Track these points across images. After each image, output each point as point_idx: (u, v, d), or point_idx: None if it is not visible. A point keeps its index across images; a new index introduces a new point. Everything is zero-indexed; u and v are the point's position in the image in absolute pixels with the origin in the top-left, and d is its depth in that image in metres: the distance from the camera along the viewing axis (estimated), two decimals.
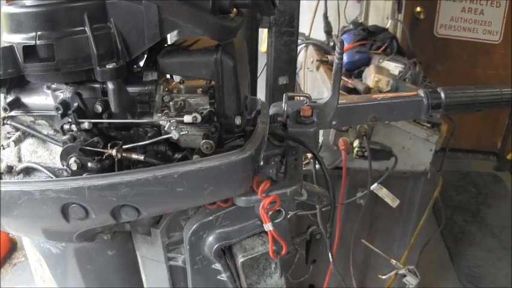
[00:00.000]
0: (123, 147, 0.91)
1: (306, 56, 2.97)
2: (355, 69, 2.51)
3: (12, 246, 4.01)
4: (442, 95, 1.32)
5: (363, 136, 2.12)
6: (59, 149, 0.99)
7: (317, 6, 3.29)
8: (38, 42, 0.88)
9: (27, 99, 1.03)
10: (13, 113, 1.04)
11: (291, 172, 1.05)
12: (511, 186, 4.66)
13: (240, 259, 1.04)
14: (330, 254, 1.40)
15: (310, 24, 3.36)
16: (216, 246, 1.05)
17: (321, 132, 2.17)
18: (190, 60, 0.97)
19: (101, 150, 0.91)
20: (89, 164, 0.91)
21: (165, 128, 0.94)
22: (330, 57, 2.71)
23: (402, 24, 3.61)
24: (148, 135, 0.95)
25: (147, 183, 0.88)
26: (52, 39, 0.88)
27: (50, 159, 1.04)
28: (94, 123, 0.93)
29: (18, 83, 1.02)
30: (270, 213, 0.99)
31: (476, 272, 3.49)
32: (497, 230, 3.99)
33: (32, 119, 1.05)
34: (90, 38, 0.88)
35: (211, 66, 0.96)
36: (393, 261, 2.11)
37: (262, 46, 2.55)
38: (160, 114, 0.96)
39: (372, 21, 3.56)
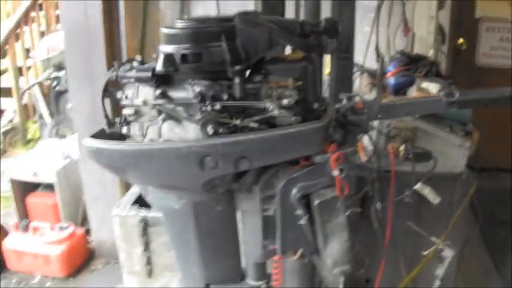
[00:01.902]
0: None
1: (361, 82, 3.46)
2: (401, 90, 2.99)
3: (90, 255, 4.50)
4: (457, 94, 1.79)
5: (407, 141, 2.59)
6: (191, 127, 1.49)
7: (370, 37, 3.80)
8: (191, 51, 1.40)
9: (171, 92, 1.50)
10: (160, 101, 1.54)
11: (351, 143, 1.55)
12: None
13: (316, 201, 1.52)
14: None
15: (364, 54, 3.87)
16: (298, 195, 1.53)
17: (373, 139, 2.64)
18: (286, 66, 1.48)
19: (229, 121, 1.42)
20: (221, 130, 1.41)
21: (270, 109, 1.43)
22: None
23: (443, 54, 4.04)
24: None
25: (258, 141, 1.38)
26: (201, 49, 1.40)
27: (183, 134, 1.53)
28: (223, 106, 1.43)
29: (164, 80, 1.51)
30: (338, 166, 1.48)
31: None
32: None
33: (172, 106, 1.54)
34: (225, 49, 1.39)
35: (299, 70, 1.46)
36: (433, 238, 2.55)
37: (326, 69, 3.04)
38: (266, 100, 1.45)
39: (417, 52, 4.02)
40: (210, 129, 1.41)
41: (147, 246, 2.99)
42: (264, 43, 1.43)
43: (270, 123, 1.46)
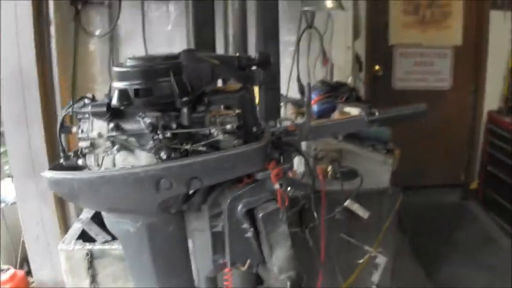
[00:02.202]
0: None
1: (286, 111, 3.70)
2: (324, 116, 3.24)
3: None
4: (377, 113, 2.03)
5: (334, 162, 2.82)
6: (143, 156, 1.66)
7: (291, 69, 4.06)
8: (143, 86, 1.58)
9: (124, 125, 1.64)
10: (114, 134, 1.70)
11: (286, 161, 1.76)
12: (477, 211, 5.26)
13: (260, 214, 1.71)
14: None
15: (287, 85, 4.13)
16: (244, 210, 1.72)
17: (302, 163, 2.86)
18: (227, 96, 1.69)
19: (180, 146, 1.60)
20: (173, 154, 1.59)
21: (215, 134, 1.62)
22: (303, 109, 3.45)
23: (361, 80, 4.34)
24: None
25: (208, 162, 1.57)
26: (151, 84, 1.58)
27: (136, 162, 1.68)
28: (173, 133, 1.61)
29: (116, 114, 1.66)
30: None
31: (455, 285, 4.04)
32: (469, 248, 4.58)
33: (125, 137, 1.71)
34: (173, 84, 1.58)
35: (238, 99, 1.67)
36: (366, 247, 2.78)
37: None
38: (211, 127, 1.64)
39: (336, 80, 4.30)
40: (163, 155, 1.59)
41: (93, 278, 3.10)
42: (207, 76, 1.64)
43: (215, 146, 1.65)
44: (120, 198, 1.67)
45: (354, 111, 3.13)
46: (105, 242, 3.07)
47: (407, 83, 5.56)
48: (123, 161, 1.68)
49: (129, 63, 1.67)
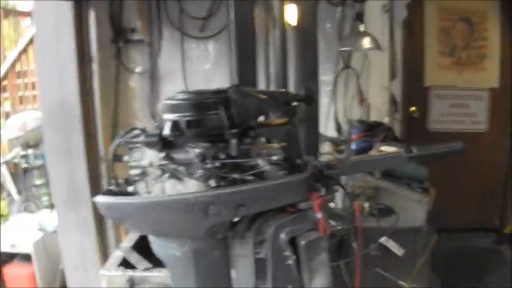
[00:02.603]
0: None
1: (323, 148, 3.78)
2: (362, 154, 3.31)
3: None
4: (414, 150, 2.10)
5: (371, 199, 2.89)
6: (191, 184, 1.75)
7: (329, 108, 4.15)
8: (195, 118, 1.69)
9: (174, 154, 1.75)
10: (164, 162, 1.80)
11: (328, 192, 1.84)
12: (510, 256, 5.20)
13: (302, 242, 1.79)
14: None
15: (325, 124, 4.23)
16: (286, 238, 1.80)
17: (339, 199, 2.93)
18: (274, 129, 1.78)
19: (229, 175, 1.69)
20: (221, 183, 1.68)
21: (261, 165, 1.72)
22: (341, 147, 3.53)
23: (398, 120, 4.41)
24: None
25: (255, 190, 1.66)
26: (202, 116, 1.69)
27: (184, 190, 1.78)
28: (221, 163, 1.71)
29: (167, 144, 1.76)
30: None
31: None
32: None
33: (174, 166, 1.80)
34: (223, 116, 1.68)
35: (284, 132, 1.77)
36: (401, 282, 2.82)
37: None
38: (257, 158, 1.74)
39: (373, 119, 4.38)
40: (212, 183, 1.68)
41: None
42: (255, 110, 1.74)
43: (261, 176, 1.73)
44: (169, 223, 1.76)
45: (390, 150, 3.19)
46: (146, 269, 3.15)
47: (442, 125, 5.57)
48: (172, 189, 1.78)
49: (180, 96, 1.78)
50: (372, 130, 3.54)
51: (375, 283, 3.01)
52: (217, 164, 1.70)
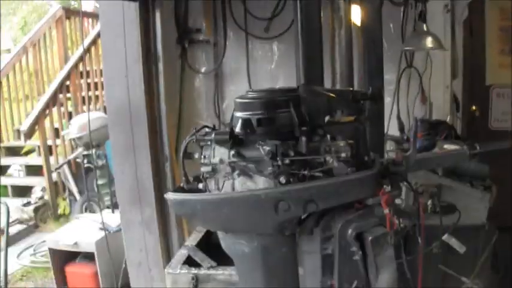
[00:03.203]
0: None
1: (385, 148, 3.79)
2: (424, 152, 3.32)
3: None
4: (478, 147, 2.11)
5: (434, 196, 2.90)
6: (261, 180, 1.80)
7: (392, 108, 4.16)
8: (266, 116, 1.74)
9: (244, 152, 1.80)
10: (235, 160, 1.85)
11: (395, 188, 1.87)
12: None
13: (369, 238, 1.82)
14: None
15: (387, 123, 4.22)
16: (353, 234, 1.83)
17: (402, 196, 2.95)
18: (343, 127, 1.82)
19: (299, 172, 1.74)
20: (291, 179, 1.73)
21: (330, 161, 1.76)
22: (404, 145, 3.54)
23: (459, 119, 4.39)
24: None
25: (324, 187, 1.70)
26: (273, 114, 1.74)
27: (254, 187, 1.83)
28: (291, 160, 1.76)
29: (237, 142, 1.81)
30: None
31: None
32: None
33: (245, 163, 1.85)
34: (293, 114, 1.73)
35: (353, 130, 1.80)
36: (463, 279, 2.82)
37: None
38: (326, 155, 1.78)
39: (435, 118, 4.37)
40: (282, 179, 1.73)
41: None
42: (324, 108, 1.78)
43: (329, 173, 1.78)
44: (240, 219, 1.82)
45: (452, 148, 3.19)
46: (211, 267, 3.22)
47: (504, 124, 5.53)
48: (242, 185, 1.83)
49: (252, 95, 1.84)
50: (434, 128, 3.53)
51: (437, 281, 3.01)
52: (287, 161, 1.74)
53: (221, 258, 3.21)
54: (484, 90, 5.59)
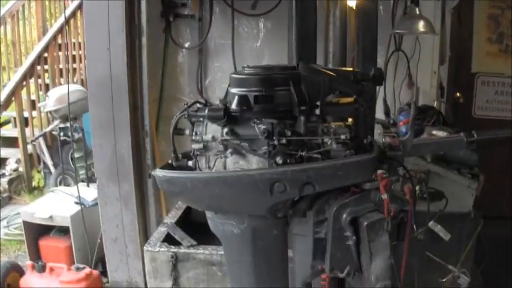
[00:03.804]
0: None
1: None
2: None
3: None
4: (475, 135, 2.07)
5: (422, 182, 2.86)
6: (254, 160, 1.74)
7: (378, 92, 4.11)
8: (264, 93, 1.67)
9: (238, 130, 1.73)
10: (228, 137, 1.77)
11: (392, 173, 1.81)
12: None
13: (365, 223, 1.77)
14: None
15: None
16: (348, 218, 1.78)
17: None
18: (342, 108, 1.76)
19: (296, 152, 1.67)
20: (288, 160, 1.67)
21: (328, 143, 1.70)
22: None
23: (445, 104, 4.36)
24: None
25: (322, 169, 1.64)
26: (272, 92, 1.67)
27: (247, 166, 1.76)
28: (288, 140, 1.69)
29: (231, 119, 1.72)
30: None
31: None
32: None
33: (238, 141, 1.77)
34: (293, 93, 1.66)
35: (353, 111, 1.74)
36: (450, 267, 2.80)
37: None
38: (325, 136, 1.72)
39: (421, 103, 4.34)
40: (279, 160, 1.67)
41: (176, 280, 3.20)
42: (325, 88, 1.71)
43: (327, 155, 1.72)
44: (231, 199, 1.76)
45: (441, 134, 3.16)
46: (191, 246, 3.17)
47: (487, 112, 5.55)
48: (234, 164, 1.77)
49: (249, 71, 1.76)
50: (422, 114, 3.50)
51: (422, 267, 2.98)
52: (283, 140, 1.67)
53: (200, 237, 3.17)
54: (469, 77, 5.58)
